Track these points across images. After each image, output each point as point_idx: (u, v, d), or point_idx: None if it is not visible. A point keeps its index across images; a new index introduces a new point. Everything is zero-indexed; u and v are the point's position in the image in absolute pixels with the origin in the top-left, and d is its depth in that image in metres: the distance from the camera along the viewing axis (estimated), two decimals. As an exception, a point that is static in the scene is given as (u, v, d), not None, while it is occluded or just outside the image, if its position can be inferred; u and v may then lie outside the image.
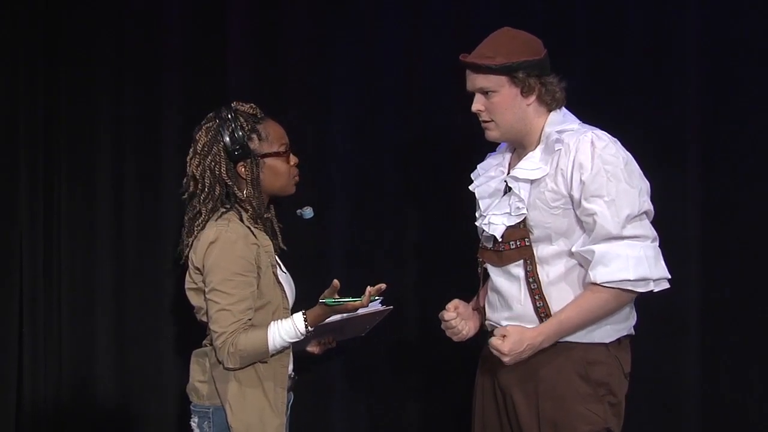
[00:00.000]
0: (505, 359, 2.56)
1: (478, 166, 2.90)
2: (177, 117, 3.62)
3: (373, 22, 3.55)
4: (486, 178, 2.81)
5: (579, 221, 2.61)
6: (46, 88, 3.69)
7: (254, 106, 2.81)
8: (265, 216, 2.80)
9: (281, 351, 2.71)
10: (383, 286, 2.66)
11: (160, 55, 3.65)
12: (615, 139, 2.63)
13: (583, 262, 2.60)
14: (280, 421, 2.73)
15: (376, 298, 2.81)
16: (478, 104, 2.67)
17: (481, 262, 2.82)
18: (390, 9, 3.53)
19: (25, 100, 3.68)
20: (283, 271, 2.86)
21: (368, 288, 2.65)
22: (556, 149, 2.61)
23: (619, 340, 2.68)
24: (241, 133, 2.71)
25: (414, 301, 3.52)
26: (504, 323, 2.71)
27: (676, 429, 3.36)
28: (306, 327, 2.67)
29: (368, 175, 3.57)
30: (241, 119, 2.74)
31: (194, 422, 2.80)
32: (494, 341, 2.57)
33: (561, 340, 2.62)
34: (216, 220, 2.73)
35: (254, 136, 2.74)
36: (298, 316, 2.68)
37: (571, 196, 2.59)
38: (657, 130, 3.31)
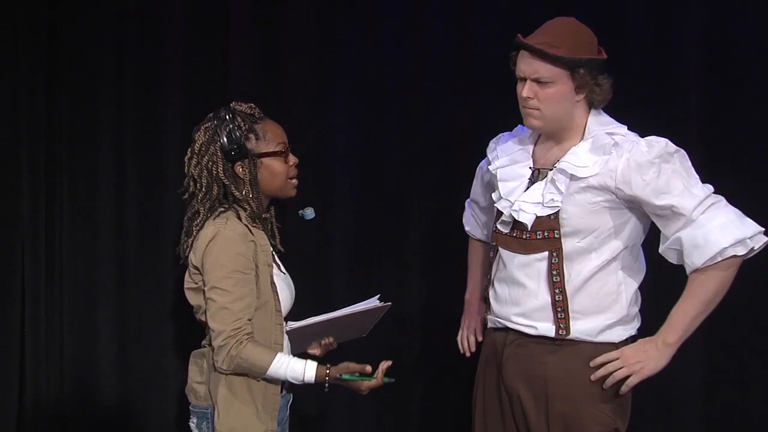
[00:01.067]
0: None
1: (495, 147, 2.82)
2: (178, 117, 3.63)
3: (374, 22, 3.55)
4: (509, 160, 2.75)
5: (613, 219, 2.60)
6: (47, 87, 3.69)
7: (253, 105, 2.76)
8: (263, 216, 2.79)
9: (274, 380, 2.69)
10: (390, 362, 2.67)
11: (161, 54, 3.65)
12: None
13: (673, 255, 2.58)
14: (266, 428, 2.70)
15: (378, 302, 2.83)
16: (529, 91, 2.59)
17: (494, 245, 2.77)
18: (391, 8, 3.52)
19: (27, 100, 3.68)
20: (282, 272, 2.84)
21: (381, 365, 2.64)
22: (610, 151, 2.58)
23: (625, 340, 2.67)
24: (238, 133, 2.69)
25: (415, 300, 3.52)
26: (513, 319, 2.69)
27: (676, 429, 3.36)
28: (313, 378, 2.63)
29: (369, 175, 3.57)
30: (239, 119, 2.71)
31: (193, 423, 2.79)
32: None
33: (571, 338, 2.62)
34: (214, 219, 2.71)
35: (251, 135, 2.71)
36: (312, 365, 2.64)
37: (632, 197, 2.57)
38: (656, 132, 3.29)
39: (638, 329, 2.71)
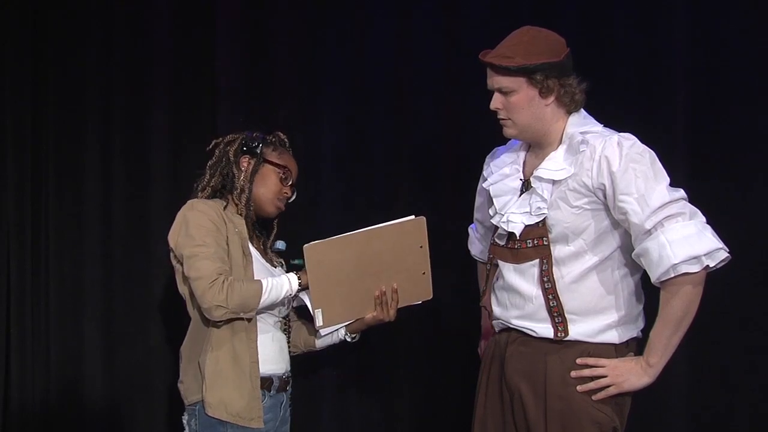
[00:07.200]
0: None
1: (490, 163, 2.89)
2: (165, 117, 3.62)
3: (362, 21, 3.55)
4: (500, 176, 2.81)
5: (599, 221, 2.63)
6: (33, 87, 3.68)
7: (288, 145, 3.12)
8: (247, 212, 2.97)
9: (268, 306, 2.88)
10: None
11: (148, 53, 3.65)
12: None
13: (642, 264, 2.60)
14: (252, 395, 2.82)
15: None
16: (496, 102, 2.69)
17: (491, 258, 2.82)
18: (379, 7, 3.53)
19: (13, 100, 3.67)
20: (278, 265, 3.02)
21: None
22: (581, 150, 2.62)
23: (627, 342, 2.69)
24: (261, 137, 3.04)
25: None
26: (514, 322, 2.73)
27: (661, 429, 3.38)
28: (297, 281, 2.87)
29: (358, 175, 3.57)
30: (271, 136, 3.08)
31: (185, 419, 2.89)
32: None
33: (570, 339, 2.65)
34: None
35: (270, 146, 3.05)
36: (291, 274, 2.89)
37: (604, 194, 2.60)
38: (644, 138, 3.32)
39: (642, 330, 2.72)
